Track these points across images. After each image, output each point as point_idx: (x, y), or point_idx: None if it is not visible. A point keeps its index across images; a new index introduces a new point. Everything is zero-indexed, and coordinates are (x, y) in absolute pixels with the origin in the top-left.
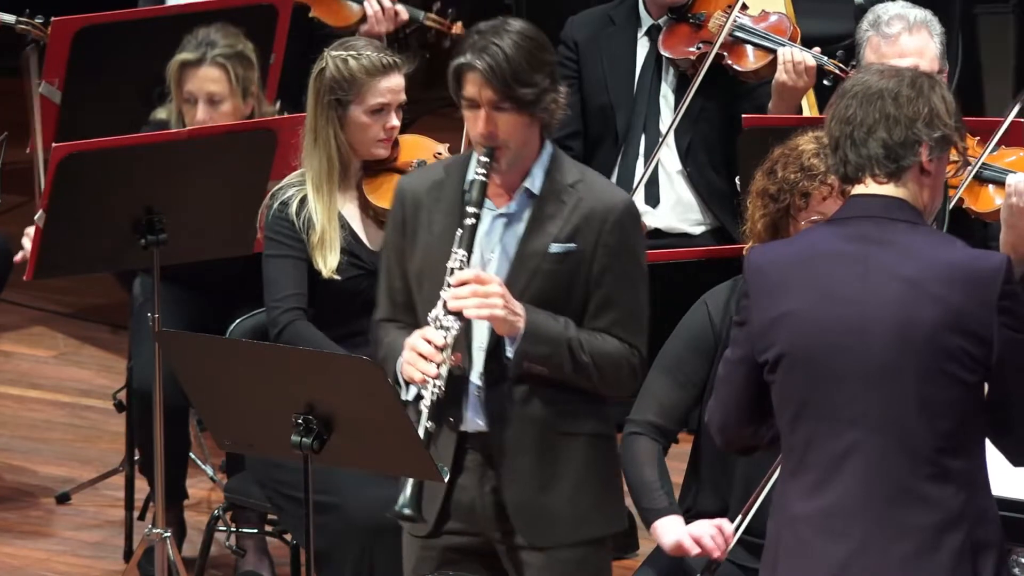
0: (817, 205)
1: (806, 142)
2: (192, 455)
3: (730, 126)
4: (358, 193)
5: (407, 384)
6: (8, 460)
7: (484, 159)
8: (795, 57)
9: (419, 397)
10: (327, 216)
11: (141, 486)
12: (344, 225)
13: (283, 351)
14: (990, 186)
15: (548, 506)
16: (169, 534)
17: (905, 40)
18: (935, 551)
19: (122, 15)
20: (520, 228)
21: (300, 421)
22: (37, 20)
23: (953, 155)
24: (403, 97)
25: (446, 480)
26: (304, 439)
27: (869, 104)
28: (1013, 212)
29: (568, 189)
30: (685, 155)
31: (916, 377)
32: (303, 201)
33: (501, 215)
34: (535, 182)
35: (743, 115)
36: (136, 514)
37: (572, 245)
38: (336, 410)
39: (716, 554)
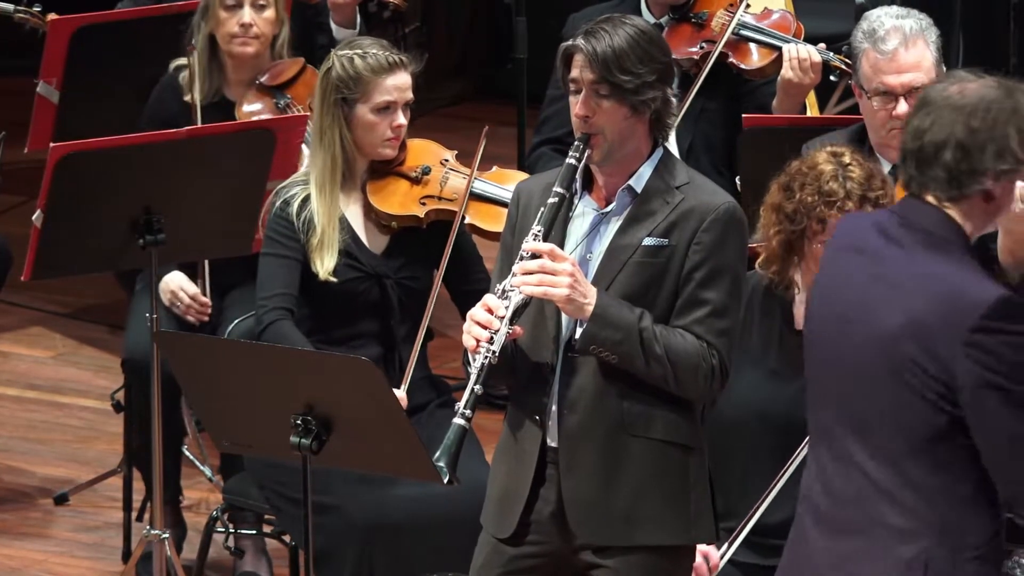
0: (833, 230)
1: (824, 162)
2: (191, 456)
3: (732, 126)
4: (362, 195)
5: (474, 359)
6: (6, 461)
7: (578, 143)
8: (800, 53)
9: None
10: (327, 217)
11: (140, 487)
12: (345, 227)
13: (282, 352)
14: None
15: (603, 505)
16: (167, 535)
17: (903, 57)
18: (887, 553)
19: (120, 14)
20: (617, 225)
21: (299, 422)
22: (35, 8)
23: None
24: (410, 96)
25: (446, 481)
26: (303, 440)
27: (943, 123)
28: (1010, 218)
29: (673, 190)
30: (686, 156)
31: (884, 381)
32: (306, 200)
33: (603, 214)
34: (639, 182)
35: (744, 115)
36: (134, 515)
37: (665, 240)
38: (335, 411)
39: None
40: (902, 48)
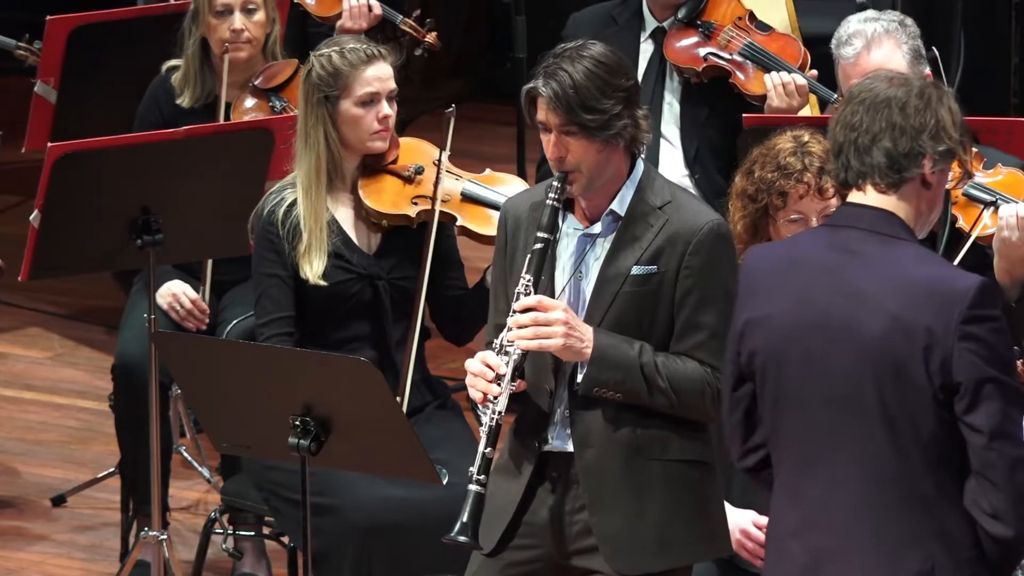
0: (795, 204)
1: (784, 141)
2: (188, 457)
3: (737, 133)
4: (352, 195)
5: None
6: (3, 462)
7: (556, 184)
8: (783, 79)
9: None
10: (314, 220)
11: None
12: (335, 229)
13: (280, 352)
14: (984, 210)
15: (636, 534)
16: (166, 536)
17: (866, 59)
18: (895, 567)
19: (117, 14)
20: (604, 250)
21: (298, 423)
22: (36, 46)
23: (955, 168)
24: (392, 86)
25: (444, 482)
26: (301, 441)
27: (876, 112)
28: (1006, 244)
29: (656, 211)
30: (692, 163)
31: (878, 392)
32: (292, 206)
33: (587, 236)
34: (622, 204)
35: (744, 115)
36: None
37: (653, 268)
38: (334, 412)
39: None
40: (864, 51)
